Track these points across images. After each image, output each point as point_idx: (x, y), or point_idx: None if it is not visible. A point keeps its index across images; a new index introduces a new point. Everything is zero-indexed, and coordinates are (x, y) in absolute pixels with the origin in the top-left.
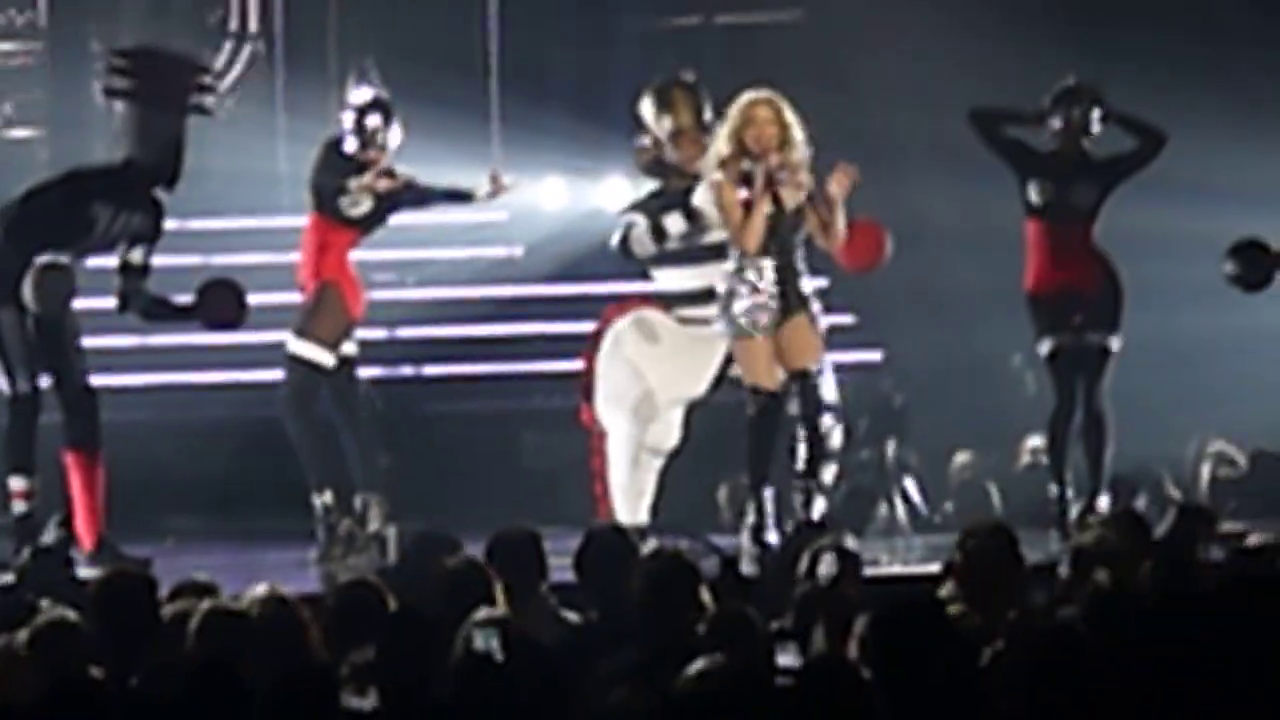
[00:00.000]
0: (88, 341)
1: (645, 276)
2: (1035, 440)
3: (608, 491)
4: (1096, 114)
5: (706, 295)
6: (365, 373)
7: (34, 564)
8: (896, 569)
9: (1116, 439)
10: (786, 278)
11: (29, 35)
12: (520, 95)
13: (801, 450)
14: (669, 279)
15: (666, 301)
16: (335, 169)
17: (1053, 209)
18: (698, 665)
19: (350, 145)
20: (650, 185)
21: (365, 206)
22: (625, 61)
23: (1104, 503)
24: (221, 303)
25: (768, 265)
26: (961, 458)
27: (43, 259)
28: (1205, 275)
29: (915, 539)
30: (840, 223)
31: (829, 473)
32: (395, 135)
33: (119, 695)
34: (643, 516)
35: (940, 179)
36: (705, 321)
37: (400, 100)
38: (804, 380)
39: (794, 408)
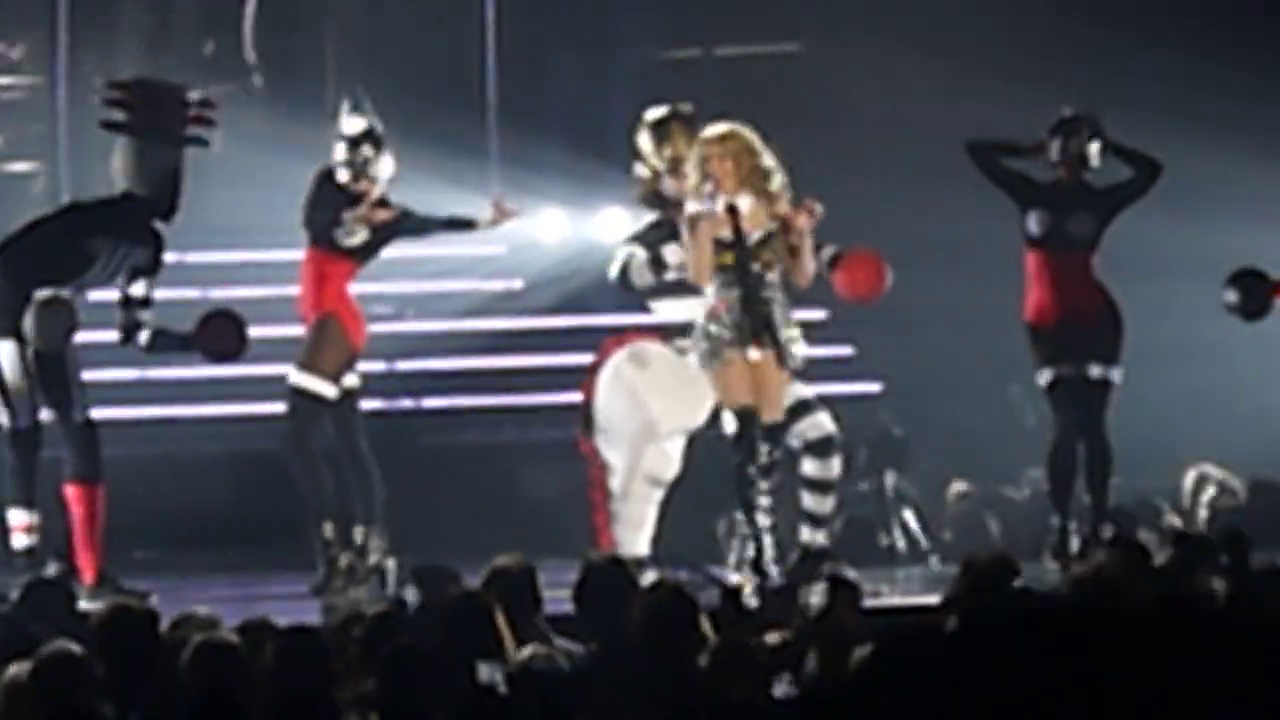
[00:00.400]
0: (89, 375)
1: (644, 309)
2: (1034, 470)
3: (608, 523)
4: (1095, 146)
5: None
6: (365, 405)
7: (35, 597)
8: (896, 600)
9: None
10: (750, 307)
11: (27, 69)
12: (518, 128)
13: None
14: (668, 310)
15: (665, 333)
16: (329, 200)
17: (1052, 240)
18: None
19: (342, 176)
20: (649, 217)
21: (361, 237)
22: (623, 94)
23: (1107, 533)
24: (223, 333)
25: (732, 296)
26: (958, 487)
27: (43, 293)
28: (1205, 298)
29: (914, 569)
30: (807, 257)
31: (828, 504)
32: (386, 166)
33: None
34: (643, 548)
35: (938, 209)
36: None
37: (398, 133)
38: (771, 429)
39: (792, 440)
